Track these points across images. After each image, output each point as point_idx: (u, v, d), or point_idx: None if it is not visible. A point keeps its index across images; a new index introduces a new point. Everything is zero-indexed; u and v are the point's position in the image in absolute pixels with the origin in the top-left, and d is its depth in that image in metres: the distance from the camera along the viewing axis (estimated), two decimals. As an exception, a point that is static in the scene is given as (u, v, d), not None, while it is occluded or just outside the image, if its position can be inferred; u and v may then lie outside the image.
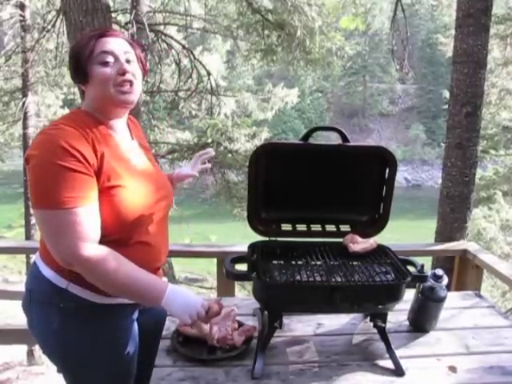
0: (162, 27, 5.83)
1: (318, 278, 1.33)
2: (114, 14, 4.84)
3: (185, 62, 5.88)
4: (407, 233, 12.58)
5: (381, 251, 1.49)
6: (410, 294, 1.48)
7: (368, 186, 1.55)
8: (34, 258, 1.36)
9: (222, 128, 5.96)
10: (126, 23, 4.93)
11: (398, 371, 1.30)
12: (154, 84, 5.55)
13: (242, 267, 1.38)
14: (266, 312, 1.34)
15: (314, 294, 1.29)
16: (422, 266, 1.39)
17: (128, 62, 1.27)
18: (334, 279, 1.32)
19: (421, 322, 1.53)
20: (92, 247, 1.17)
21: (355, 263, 1.43)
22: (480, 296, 1.81)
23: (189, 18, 6.09)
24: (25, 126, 7.63)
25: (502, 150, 8.62)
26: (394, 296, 1.30)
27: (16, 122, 7.83)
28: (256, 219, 1.51)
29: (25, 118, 7.51)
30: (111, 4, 4.95)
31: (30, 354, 6.37)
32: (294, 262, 1.44)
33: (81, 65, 1.23)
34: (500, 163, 9.26)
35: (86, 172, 1.17)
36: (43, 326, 1.31)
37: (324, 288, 1.29)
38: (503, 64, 7.20)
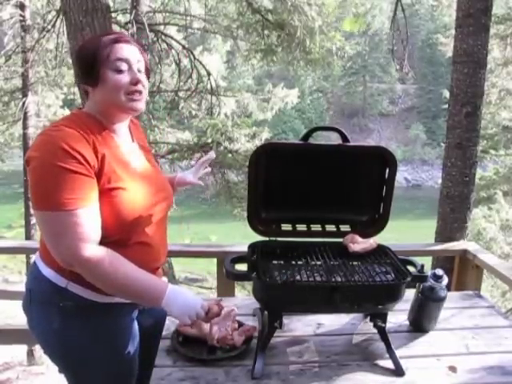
0: (162, 27, 5.83)
1: (318, 278, 1.33)
2: (113, 14, 4.84)
3: (185, 62, 5.88)
4: (407, 233, 12.58)
5: (381, 251, 1.49)
6: (410, 294, 1.48)
7: (368, 186, 1.55)
8: (34, 258, 1.36)
9: (222, 128, 5.95)
10: (126, 23, 4.93)
11: (398, 371, 1.30)
12: (154, 84, 5.54)
13: (242, 267, 1.38)
14: (265, 312, 1.34)
15: (314, 294, 1.29)
16: (422, 266, 1.39)
17: (139, 71, 1.28)
18: (334, 279, 1.32)
19: (421, 322, 1.53)
20: (92, 248, 1.17)
21: (355, 263, 1.43)
22: (480, 296, 1.81)
23: (189, 18, 6.09)
24: (25, 126, 7.63)
25: (502, 150, 8.61)
26: (394, 296, 1.30)
27: (16, 122, 7.83)
28: (256, 219, 1.51)
29: (25, 118, 7.51)
30: (111, 4, 4.95)
31: (30, 354, 6.37)
32: (293, 262, 1.44)
33: (94, 68, 1.22)
34: (500, 163, 9.26)
35: (87, 173, 1.17)
36: (44, 326, 1.31)
37: (324, 288, 1.29)
38: (503, 64, 7.20)
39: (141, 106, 1.29)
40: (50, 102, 8.79)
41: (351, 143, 1.47)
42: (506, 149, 8.68)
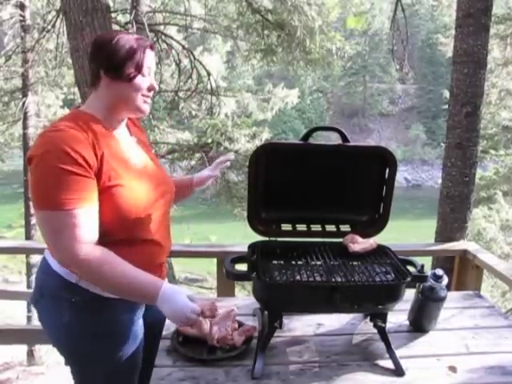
0: (162, 27, 5.83)
1: (318, 278, 1.33)
2: (113, 14, 4.84)
3: (185, 62, 5.88)
4: (407, 233, 12.58)
5: (381, 251, 1.49)
6: (410, 294, 1.48)
7: (368, 185, 1.55)
8: (44, 254, 1.38)
9: (222, 128, 5.95)
10: (126, 23, 4.93)
11: (398, 371, 1.30)
12: (154, 84, 5.53)
13: (242, 267, 1.38)
14: (266, 312, 1.34)
15: (314, 294, 1.29)
16: (422, 266, 1.39)
17: (154, 78, 1.38)
18: (334, 279, 1.32)
19: (421, 322, 1.53)
20: (88, 248, 1.19)
21: (355, 263, 1.43)
22: (480, 296, 1.81)
23: (189, 18, 6.09)
24: (25, 126, 7.63)
25: (502, 150, 8.61)
26: (394, 296, 1.30)
27: (16, 122, 7.84)
28: (256, 219, 1.51)
29: (25, 118, 7.51)
30: (111, 4, 4.95)
31: (30, 354, 6.37)
32: (293, 262, 1.44)
33: (124, 64, 1.27)
34: (500, 163, 9.26)
35: (86, 174, 1.19)
36: (54, 320, 1.33)
37: (324, 288, 1.29)
38: (503, 64, 7.19)
39: (148, 108, 1.37)
40: (50, 102, 8.78)
41: (351, 143, 1.47)
42: (505, 149, 8.68)
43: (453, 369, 1.32)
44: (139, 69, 1.29)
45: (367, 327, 1.48)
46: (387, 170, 1.50)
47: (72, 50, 3.29)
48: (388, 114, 34.56)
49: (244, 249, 1.47)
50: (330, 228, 1.59)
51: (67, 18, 3.19)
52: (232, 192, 6.05)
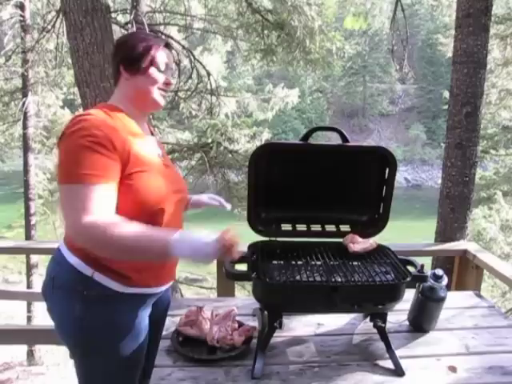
0: (162, 27, 5.83)
1: (318, 278, 1.33)
2: (113, 14, 4.83)
3: (185, 62, 5.88)
4: (407, 233, 12.57)
5: (381, 251, 1.49)
6: (410, 294, 1.48)
7: (368, 185, 1.55)
8: (59, 245, 1.40)
9: (222, 128, 5.94)
10: (126, 23, 4.92)
11: (398, 371, 1.30)
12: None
13: (242, 267, 1.38)
14: (265, 312, 1.34)
15: (314, 294, 1.29)
16: (422, 266, 1.39)
17: (172, 75, 1.48)
18: (334, 279, 1.32)
19: (421, 322, 1.53)
20: (93, 217, 1.18)
21: (355, 263, 1.43)
22: (480, 296, 1.81)
23: (189, 18, 6.09)
24: (25, 126, 7.64)
25: (502, 150, 8.61)
26: (394, 296, 1.30)
27: (16, 122, 7.84)
28: (256, 219, 1.51)
29: (25, 118, 7.52)
30: (111, 4, 4.95)
31: (30, 354, 6.37)
32: (293, 262, 1.44)
33: (142, 60, 1.37)
34: (500, 163, 9.26)
35: (110, 155, 1.24)
36: (65, 312, 1.35)
37: (324, 288, 1.29)
38: (503, 64, 7.19)
39: (164, 102, 1.45)
40: (50, 102, 8.78)
41: (351, 143, 1.47)
42: (506, 149, 8.68)
43: (453, 369, 1.32)
44: (155, 63, 1.38)
45: (367, 327, 1.48)
46: (387, 170, 1.50)
47: (72, 50, 3.29)
48: (388, 113, 34.55)
49: (244, 249, 1.47)
50: (330, 228, 1.59)
51: (67, 18, 3.18)
52: (232, 192, 6.05)
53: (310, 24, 5.59)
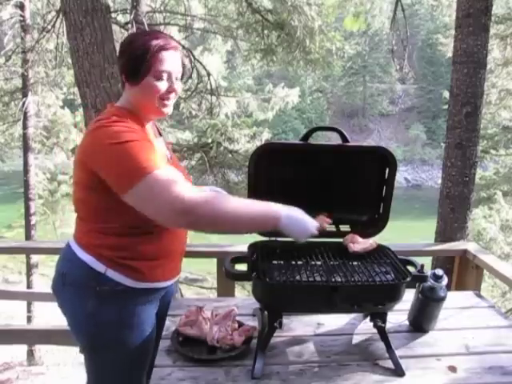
0: (162, 27, 5.82)
1: (318, 278, 1.33)
2: (113, 14, 4.83)
3: (185, 62, 5.88)
4: (407, 233, 12.57)
5: (381, 251, 1.49)
6: (410, 294, 1.48)
7: (368, 185, 1.55)
8: (68, 241, 1.42)
9: (222, 128, 5.95)
10: (126, 23, 4.92)
11: (398, 371, 1.30)
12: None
13: (242, 267, 1.38)
14: (265, 312, 1.34)
15: (314, 293, 1.29)
16: (422, 266, 1.39)
17: (176, 79, 1.40)
18: (334, 279, 1.32)
19: (421, 322, 1.53)
20: (192, 194, 1.20)
21: (355, 263, 1.43)
22: (480, 296, 1.81)
23: (189, 18, 6.09)
24: (25, 126, 7.63)
25: (502, 150, 8.61)
26: (394, 296, 1.30)
27: (16, 122, 7.84)
28: (256, 219, 1.50)
29: (25, 118, 7.51)
30: (111, 4, 4.95)
31: (30, 354, 6.37)
32: (293, 262, 1.44)
33: (138, 70, 1.32)
34: (500, 163, 9.26)
35: (147, 140, 1.28)
36: (77, 308, 1.37)
37: (324, 288, 1.29)
38: (503, 64, 7.19)
39: (168, 110, 1.41)
40: (50, 102, 8.78)
41: (351, 143, 1.47)
42: (506, 149, 8.68)
43: (453, 369, 1.32)
44: (155, 73, 1.33)
45: (367, 327, 1.47)
46: (387, 170, 1.50)
47: (72, 50, 3.29)
48: (388, 113, 34.56)
49: (244, 249, 1.47)
50: (330, 228, 1.58)
51: (67, 18, 3.18)
52: (232, 192, 6.04)
53: (310, 24, 5.59)
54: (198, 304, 1.49)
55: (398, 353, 1.34)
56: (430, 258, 2.84)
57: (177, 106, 6.32)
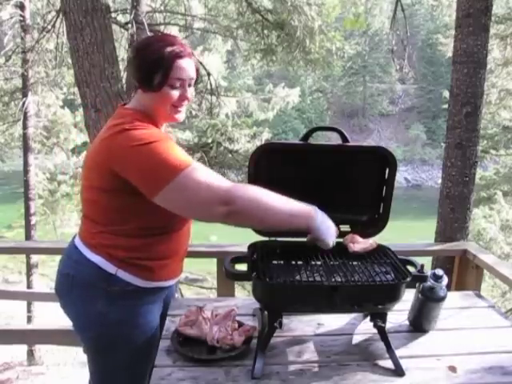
0: (162, 27, 5.82)
1: (318, 278, 1.33)
2: (113, 14, 4.83)
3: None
4: (407, 233, 12.57)
5: (381, 251, 1.49)
6: (410, 294, 1.48)
7: (368, 185, 1.55)
8: (75, 243, 1.42)
9: (222, 128, 5.95)
10: (126, 23, 4.92)
11: (398, 371, 1.30)
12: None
13: (242, 267, 1.38)
14: (265, 312, 1.34)
15: (314, 293, 1.29)
16: (422, 266, 1.39)
17: (189, 85, 1.39)
18: (334, 279, 1.32)
19: (421, 322, 1.52)
20: (230, 186, 1.22)
21: (355, 263, 1.43)
22: (480, 296, 1.81)
23: (189, 18, 6.09)
24: (25, 126, 7.64)
25: (502, 150, 8.61)
26: (394, 296, 1.30)
27: (16, 122, 7.84)
28: (256, 219, 1.50)
29: (25, 118, 7.52)
30: (111, 4, 4.95)
31: (30, 354, 6.37)
32: (293, 262, 1.44)
33: (151, 77, 1.31)
34: (500, 163, 9.26)
35: (170, 139, 1.31)
36: (86, 308, 1.38)
37: (324, 288, 1.29)
38: (503, 64, 7.19)
39: (181, 116, 1.42)
40: (50, 102, 8.79)
41: (351, 143, 1.47)
42: (506, 149, 8.68)
43: (453, 369, 1.32)
44: (166, 81, 1.32)
45: (367, 327, 1.47)
46: (387, 170, 1.50)
47: (72, 50, 3.29)
48: (388, 113, 34.54)
49: (244, 249, 1.47)
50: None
51: (67, 18, 3.19)
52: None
53: (310, 24, 5.59)
54: (198, 304, 1.49)
55: (398, 353, 1.34)
56: (430, 258, 2.85)
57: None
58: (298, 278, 1.33)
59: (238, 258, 1.42)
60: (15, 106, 7.78)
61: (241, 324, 1.44)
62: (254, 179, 1.44)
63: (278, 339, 1.41)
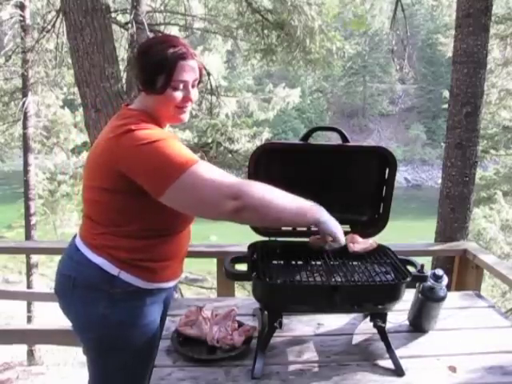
0: (162, 27, 5.83)
1: (318, 278, 1.33)
2: (113, 14, 4.83)
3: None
4: (407, 233, 12.57)
5: (381, 251, 1.49)
6: (410, 294, 1.48)
7: (368, 186, 1.55)
8: (77, 244, 1.41)
9: (222, 128, 5.95)
10: (126, 23, 4.92)
11: (398, 371, 1.30)
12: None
13: (242, 267, 1.38)
14: (266, 312, 1.34)
15: (314, 293, 1.29)
16: (422, 266, 1.39)
17: (193, 86, 1.38)
18: (334, 279, 1.32)
19: (421, 322, 1.52)
20: (237, 182, 1.24)
21: (355, 263, 1.43)
22: (480, 296, 1.81)
23: (189, 18, 6.09)
24: (25, 126, 7.64)
25: (502, 150, 8.61)
26: (394, 296, 1.30)
27: (16, 122, 7.84)
28: (256, 219, 1.50)
29: (25, 118, 7.52)
30: (111, 4, 4.95)
31: (30, 353, 6.37)
32: (293, 262, 1.44)
33: (154, 79, 1.31)
34: (500, 163, 9.26)
35: (175, 138, 1.32)
36: (88, 310, 1.37)
37: (324, 288, 1.29)
38: (503, 64, 7.19)
39: (185, 117, 1.42)
40: (50, 102, 8.80)
41: (351, 143, 1.47)
42: (506, 149, 8.68)
43: (453, 369, 1.32)
44: (169, 83, 1.31)
45: (367, 327, 1.47)
46: (387, 170, 1.50)
47: (72, 50, 3.29)
48: (388, 113, 34.54)
49: (244, 249, 1.47)
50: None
51: (67, 18, 3.19)
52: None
53: (310, 24, 5.59)
54: (198, 304, 1.49)
55: (398, 353, 1.34)
56: (430, 258, 2.85)
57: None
58: (298, 278, 1.33)
59: (238, 258, 1.42)
60: (15, 105, 7.79)
61: (241, 324, 1.44)
62: (254, 179, 1.44)
63: (277, 339, 1.41)
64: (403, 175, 28.84)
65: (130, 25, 4.54)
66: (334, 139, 1.53)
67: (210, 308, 1.49)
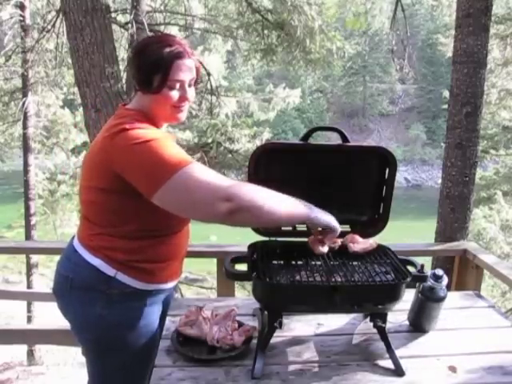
0: (162, 27, 5.82)
1: (318, 278, 1.33)
2: (113, 14, 4.83)
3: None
4: (407, 233, 12.57)
5: (381, 251, 1.49)
6: (410, 294, 1.48)
7: (368, 185, 1.55)
8: (74, 246, 1.41)
9: (222, 128, 5.94)
10: (126, 23, 4.92)
11: (398, 371, 1.30)
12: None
13: (242, 267, 1.38)
14: (265, 312, 1.34)
15: (314, 293, 1.29)
16: (422, 266, 1.39)
17: (189, 86, 1.38)
18: (334, 279, 1.32)
19: (421, 322, 1.52)
20: (232, 184, 1.20)
21: (355, 263, 1.43)
22: (480, 296, 1.81)
23: (189, 18, 6.09)
24: (25, 126, 7.64)
25: (502, 150, 8.61)
26: (394, 296, 1.30)
27: (16, 122, 7.85)
28: (256, 219, 1.50)
29: (25, 118, 7.52)
30: (111, 4, 4.95)
31: (30, 353, 6.38)
32: (293, 262, 1.44)
33: (150, 78, 1.31)
34: (500, 163, 9.26)
35: (170, 138, 1.31)
36: (86, 310, 1.37)
37: (324, 288, 1.29)
38: (503, 64, 7.19)
39: (181, 116, 1.40)
40: (50, 102, 8.79)
41: (351, 143, 1.47)
42: (506, 149, 8.68)
43: (453, 369, 1.32)
44: (165, 83, 1.30)
45: (367, 327, 1.47)
46: (387, 170, 1.50)
47: (72, 50, 3.29)
48: (388, 113, 34.56)
49: (244, 249, 1.47)
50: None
51: (67, 18, 3.19)
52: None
53: (310, 24, 5.59)
54: (198, 304, 1.49)
55: (398, 353, 1.34)
56: (430, 258, 2.85)
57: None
58: (298, 278, 1.33)
59: (238, 258, 1.42)
60: (15, 105, 7.79)
61: (241, 324, 1.44)
62: (254, 179, 1.44)
63: (277, 339, 1.41)
64: (403, 175, 28.85)
65: (129, 25, 4.54)
66: (333, 139, 1.53)
67: (210, 308, 1.49)
